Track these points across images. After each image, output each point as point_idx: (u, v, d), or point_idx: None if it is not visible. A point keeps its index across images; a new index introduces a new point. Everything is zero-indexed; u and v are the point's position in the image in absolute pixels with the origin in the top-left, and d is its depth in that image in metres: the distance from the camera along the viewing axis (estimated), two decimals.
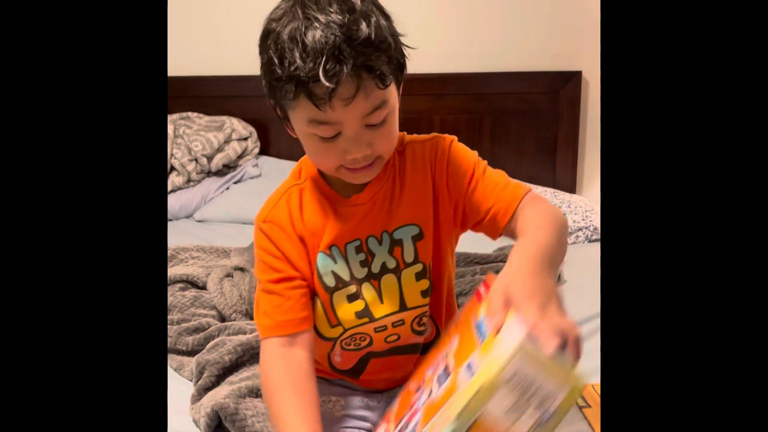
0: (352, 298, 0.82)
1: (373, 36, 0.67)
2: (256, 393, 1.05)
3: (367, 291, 0.82)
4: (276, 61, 0.67)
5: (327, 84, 0.64)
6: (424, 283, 0.83)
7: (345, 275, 0.82)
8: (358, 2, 0.68)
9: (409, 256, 0.82)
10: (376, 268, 0.82)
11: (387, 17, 0.72)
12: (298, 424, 0.74)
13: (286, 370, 0.79)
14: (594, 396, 1.02)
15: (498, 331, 0.57)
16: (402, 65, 0.73)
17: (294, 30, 0.66)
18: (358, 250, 0.81)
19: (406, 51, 0.74)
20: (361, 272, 0.82)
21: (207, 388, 1.09)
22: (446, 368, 0.64)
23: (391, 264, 0.82)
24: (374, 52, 0.67)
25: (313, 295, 0.84)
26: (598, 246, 1.94)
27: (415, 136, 0.85)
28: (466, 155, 0.83)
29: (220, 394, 1.03)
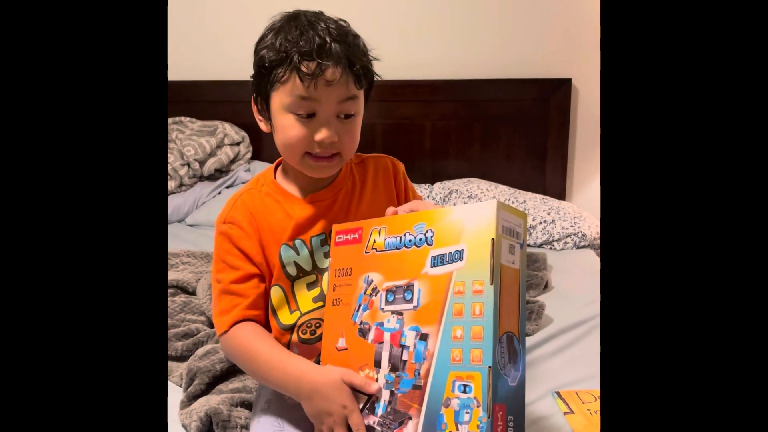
0: (311, 286, 0.91)
1: (358, 45, 0.84)
2: (244, 403, 1.06)
3: (327, 279, 0.90)
4: (277, 46, 0.81)
5: (317, 60, 0.79)
6: None
7: (307, 266, 0.91)
8: (351, 29, 0.86)
9: None
10: None
11: (367, 49, 0.87)
12: (297, 360, 0.85)
13: (253, 332, 0.88)
14: (578, 403, 1.03)
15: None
16: (372, 83, 0.87)
17: (296, 27, 0.82)
18: (323, 242, 0.91)
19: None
20: (325, 263, 0.91)
21: (197, 396, 1.10)
22: (396, 289, 0.77)
23: None
24: (357, 55, 0.83)
25: (273, 285, 0.91)
26: (586, 252, 1.96)
27: (369, 154, 1.01)
28: (415, 189, 1.05)
29: (213, 400, 1.04)
